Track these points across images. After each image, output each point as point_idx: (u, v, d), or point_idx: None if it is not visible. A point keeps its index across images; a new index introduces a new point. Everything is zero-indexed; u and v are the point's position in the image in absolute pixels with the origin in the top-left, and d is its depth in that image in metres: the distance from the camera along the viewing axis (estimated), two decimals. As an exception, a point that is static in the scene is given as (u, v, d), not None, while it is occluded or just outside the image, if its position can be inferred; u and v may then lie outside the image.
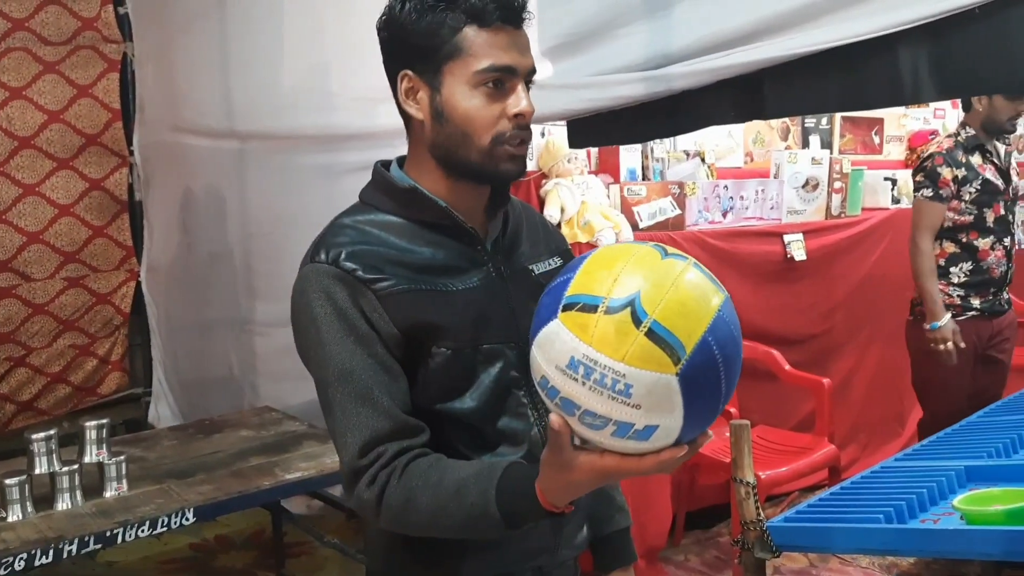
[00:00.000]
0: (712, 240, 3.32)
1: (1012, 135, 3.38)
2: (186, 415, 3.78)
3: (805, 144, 4.23)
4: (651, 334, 0.87)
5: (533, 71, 1.18)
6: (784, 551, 1.91)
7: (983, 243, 3.14)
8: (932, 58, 1.42)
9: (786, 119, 4.13)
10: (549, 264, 1.32)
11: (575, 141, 2.07)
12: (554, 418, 0.94)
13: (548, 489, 1.01)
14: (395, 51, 1.18)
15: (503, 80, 1.14)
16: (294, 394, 3.07)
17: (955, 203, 3.12)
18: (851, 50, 1.48)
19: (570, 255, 1.39)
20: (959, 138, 3.16)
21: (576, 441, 0.95)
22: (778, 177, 3.71)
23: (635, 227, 3.09)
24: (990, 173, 3.13)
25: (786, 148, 4.12)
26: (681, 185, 3.31)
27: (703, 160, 3.66)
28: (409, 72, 1.17)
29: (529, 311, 1.24)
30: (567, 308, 0.91)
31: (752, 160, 4.08)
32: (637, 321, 0.87)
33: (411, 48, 1.16)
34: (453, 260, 1.20)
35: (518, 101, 1.14)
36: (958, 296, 3.16)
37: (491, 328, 1.20)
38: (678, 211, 3.26)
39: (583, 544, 1.35)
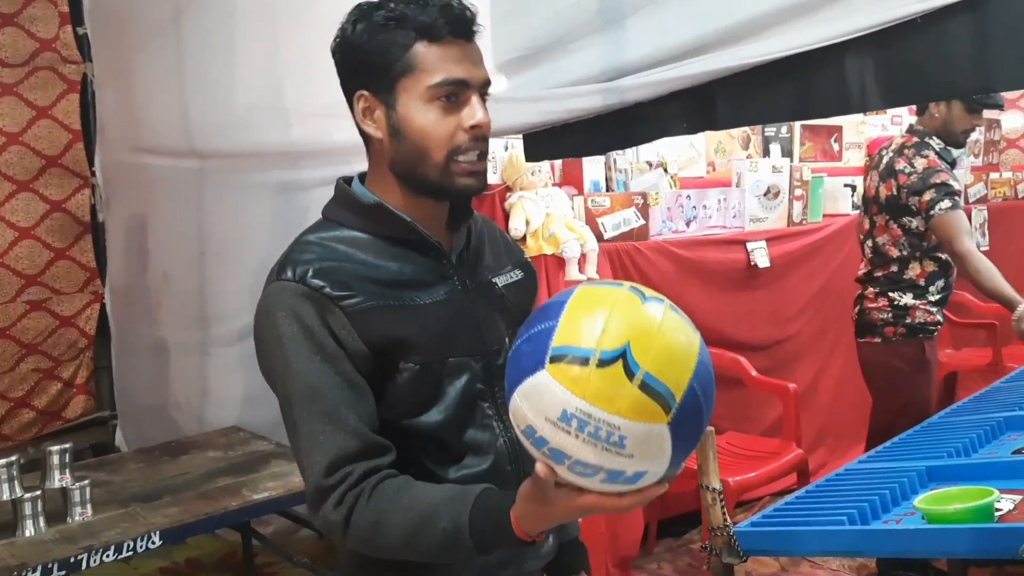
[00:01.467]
0: (676, 249, 3.35)
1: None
2: (149, 439, 3.74)
3: (766, 153, 4.29)
4: (644, 386, 0.88)
5: (488, 83, 1.19)
6: (751, 555, 1.93)
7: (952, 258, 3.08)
8: (878, 67, 1.45)
9: (746, 128, 4.19)
10: (511, 276, 1.33)
11: (531, 154, 2.08)
12: (540, 467, 0.94)
13: (523, 518, 1.02)
14: (350, 72, 1.19)
15: (456, 93, 1.14)
16: (256, 412, 3.05)
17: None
18: (799, 60, 1.51)
19: (530, 267, 1.40)
20: (936, 149, 3.08)
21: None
22: (740, 186, 3.75)
23: (600, 238, 3.11)
24: (957, 185, 3.10)
25: (747, 157, 4.17)
26: (644, 196, 3.34)
27: (666, 170, 3.69)
28: (365, 92, 1.17)
29: (494, 323, 1.26)
30: (555, 360, 0.90)
31: (714, 169, 4.13)
32: (630, 374, 0.88)
33: (365, 68, 1.16)
34: (419, 274, 1.20)
35: (473, 113, 1.15)
36: (936, 313, 3.11)
37: (458, 341, 1.21)
38: (642, 221, 3.29)
39: (549, 554, 1.35)
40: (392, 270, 1.18)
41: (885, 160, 3.15)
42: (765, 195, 3.76)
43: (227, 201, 3.06)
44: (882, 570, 2.95)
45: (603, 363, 0.88)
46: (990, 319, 4.34)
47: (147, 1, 3.08)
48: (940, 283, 3.11)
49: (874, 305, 3.15)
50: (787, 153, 4.35)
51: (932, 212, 2.97)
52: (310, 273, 1.13)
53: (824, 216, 4.06)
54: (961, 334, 4.54)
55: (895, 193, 3.06)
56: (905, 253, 3.08)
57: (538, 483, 0.97)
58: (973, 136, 5.29)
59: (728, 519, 1.92)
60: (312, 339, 1.11)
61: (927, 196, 2.98)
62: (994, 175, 5.07)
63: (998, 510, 1.67)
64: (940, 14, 1.37)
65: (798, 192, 3.86)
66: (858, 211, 4.19)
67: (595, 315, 0.91)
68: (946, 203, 2.96)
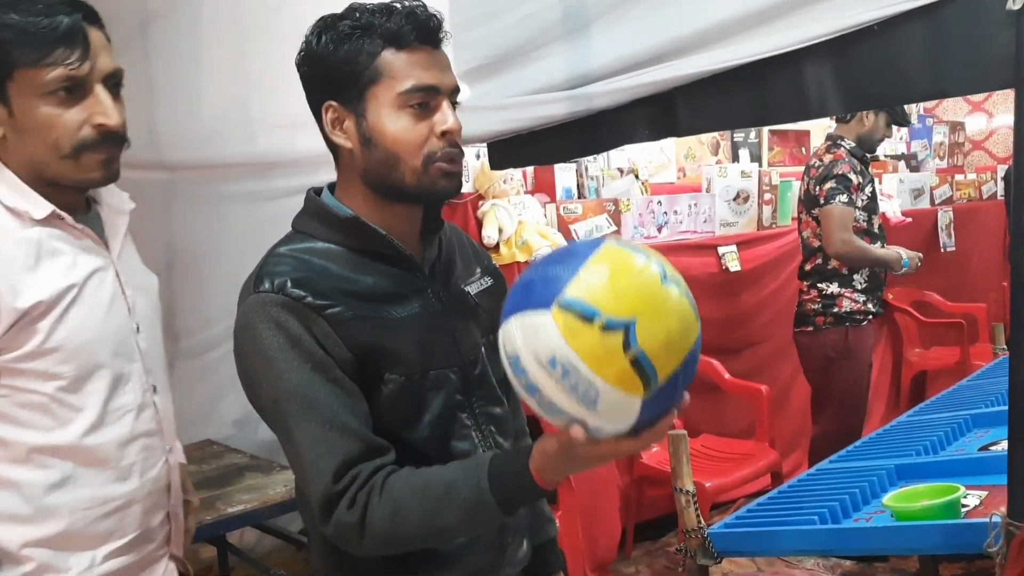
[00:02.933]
0: (648, 255, 3.37)
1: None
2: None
3: (735, 158, 4.33)
4: (635, 362, 0.91)
5: (457, 89, 1.20)
6: (726, 556, 1.95)
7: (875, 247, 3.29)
8: (835, 73, 1.47)
9: (716, 134, 4.23)
10: (482, 283, 1.34)
11: (495, 162, 2.09)
12: (575, 430, 0.96)
13: (545, 470, 1.05)
14: (316, 83, 1.19)
15: (427, 100, 1.15)
16: (228, 426, 3.03)
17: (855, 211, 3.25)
18: (758, 67, 1.53)
19: (498, 272, 1.41)
20: (846, 147, 3.30)
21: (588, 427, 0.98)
22: (710, 191, 3.79)
23: (572, 245, 3.13)
24: (873, 183, 3.33)
25: (717, 162, 4.22)
26: (616, 202, 3.36)
27: (637, 177, 3.72)
28: (333, 103, 1.17)
29: (469, 333, 1.27)
30: (564, 307, 0.92)
31: (684, 175, 4.17)
32: (627, 346, 0.91)
33: (332, 79, 1.16)
34: (394, 288, 1.20)
35: (445, 118, 1.16)
36: (862, 302, 3.29)
37: (436, 354, 1.21)
38: (614, 227, 3.31)
39: (524, 560, 1.36)
40: (368, 284, 1.18)
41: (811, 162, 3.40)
42: (735, 200, 3.80)
43: (196, 213, 3.04)
44: None
45: (606, 328, 0.91)
46: (958, 319, 4.41)
47: (113, 14, 3.04)
48: (864, 272, 3.29)
49: (807, 296, 3.35)
50: (756, 158, 4.40)
51: (831, 201, 3.17)
52: (289, 284, 1.12)
53: (793, 219, 4.11)
54: (929, 334, 4.61)
55: (808, 188, 3.30)
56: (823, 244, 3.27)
57: (566, 442, 0.99)
58: (938, 138, 5.41)
59: (702, 521, 1.94)
60: (300, 348, 1.11)
61: (827, 185, 3.20)
62: (959, 177, 5.15)
63: (964, 506, 1.71)
64: (895, 21, 1.40)
65: (767, 196, 3.91)
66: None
67: (615, 280, 0.93)
68: (843, 197, 3.17)
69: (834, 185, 3.19)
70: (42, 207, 1.29)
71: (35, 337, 1.26)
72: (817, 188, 3.23)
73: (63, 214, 1.31)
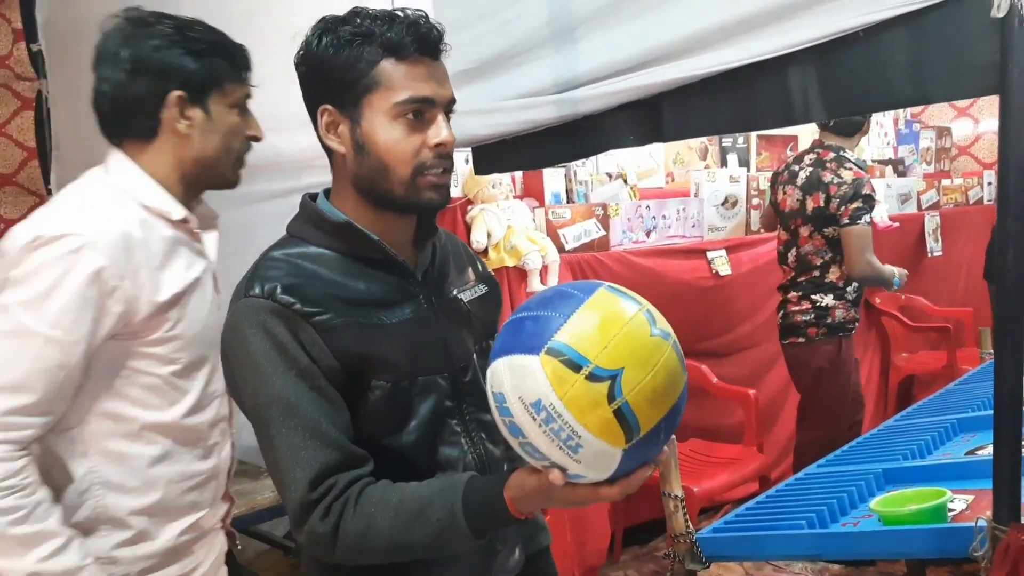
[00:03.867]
0: (637, 259, 3.38)
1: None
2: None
3: (723, 163, 4.34)
4: (619, 413, 0.92)
5: (453, 101, 1.20)
6: (714, 561, 1.95)
7: None
8: (820, 79, 1.48)
9: (704, 139, 4.24)
10: (476, 291, 1.35)
11: (481, 167, 2.09)
12: (554, 475, 0.98)
13: (520, 501, 1.05)
14: (313, 86, 1.19)
15: (422, 111, 1.15)
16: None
17: None
18: (743, 73, 1.54)
19: (493, 280, 1.41)
20: (854, 161, 3.27)
21: (569, 474, 0.99)
22: (698, 196, 3.80)
23: (561, 249, 3.13)
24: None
25: (705, 167, 4.23)
26: (605, 207, 3.37)
27: (625, 181, 3.73)
28: (328, 107, 1.18)
29: (460, 340, 1.27)
30: (552, 353, 0.93)
31: (673, 180, 4.17)
32: (612, 398, 0.92)
33: (329, 83, 1.16)
34: (386, 293, 1.20)
35: (439, 131, 1.16)
36: (854, 312, 3.31)
37: (426, 360, 1.21)
38: (603, 232, 3.31)
39: (517, 567, 1.36)
40: (359, 289, 1.18)
41: (805, 174, 3.30)
42: (723, 204, 3.81)
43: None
44: None
45: (593, 378, 0.92)
46: (945, 323, 4.43)
47: (100, 17, 3.05)
48: (855, 283, 3.30)
49: (797, 308, 3.32)
50: (744, 163, 4.41)
51: (856, 221, 3.14)
52: (279, 290, 1.13)
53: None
54: (917, 338, 4.63)
55: (822, 205, 3.22)
56: (827, 259, 3.26)
57: (545, 484, 1.00)
58: (925, 143, 5.44)
59: (691, 525, 1.94)
60: (285, 354, 1.12)
61: (854, 205, 3.14)
62: (946, 182, 5.17)
63: (951, 510, 1.71)
64: (880, 28, 1.40)
65: (755, 201, 3.92)
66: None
67: (605, 329, 0.94)
68: (867, 217, 3.16)
69: (861, 205, 3.13)
70: (179, 210, 1.47)
71: (165, 325, 1.42)
72: (842, 208, 3.14)
73: (191, 217, 1.50)
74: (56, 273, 1.31)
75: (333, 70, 1.15)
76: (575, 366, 0.92)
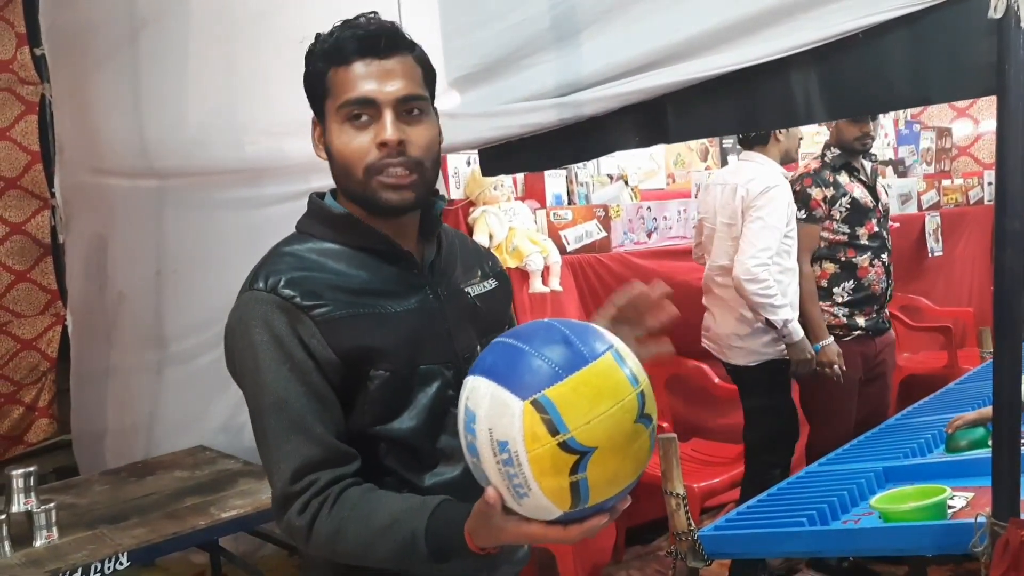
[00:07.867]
0: (638, 260, 3.39)
1: (875, 155, 3.44)
2: (101, 463, 3.66)
3: (724, 164, 4.35)
4: (574, 485, 0.93)
5: (412, 97, 1.19)
6: (716, 559, 1.97)
7: (861, 260, 3.16)
8: (822, 81, 1.50)
9: (705, 141, 4.25)
10: (484, 286, 1.36)
11: (487, 169, 2.11)
12: (489, 492, 0.98)
13: (475, 533, 1.05)
14: (309, 101, 1.26)
15: (362, 112, 1.17)
16: (216, 432, 3.04)
17: (828, 223, 3.15)
18: (747, 74, 1.55)
19: (504, 276, 1.42)
20: (826, 158, 3.21)
21: (506, 504, 0.99)
22: (699, 197, 3.80)
23: (563, 251, 3.15)
24: (858, 191, 3.17)
25: (706, 169, 4.24)
26: (606, 208, 3.38)
27: (626, 183, 3.74)
28: (315, 119, 1.25)
29: (465, 331, 1.28)
30: (536, 407, 0.93)
31: (674, 181, 4.19)
32: (575, 470, 0.92)
33: (309, 98, 1.24)
34: (390, 283, 1.22)
35: (381, 130, 1.17)
36: (843, 316, 3.17)
37: (428, 349, 1.23)
38: (604, 233, 3.33)
39: (524, 559, 1.37)
40: (362, 279, 1.20)
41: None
42: (724, 205, 3.81)
43: (186, 220, 3.05)
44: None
45: (565, 447, 0.92)
46: (945, 323, 4.44)
47: (103, 21, 3.07)
48: (848, 284, 3.17)
49: None
50: (745, 164, 4.41)
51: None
52: (281, 283, 1.16)
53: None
54: (918, 338, 4.63)
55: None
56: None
57: (485, 506, 0.99)
58: (925, 144, 5.42)
59: (693, 524, 1.96)
60: (282, 348, 1.14)
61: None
62: (946, 182, 5.18)
63: (951, 507, 1.73)
64: (880, 30, 1.42)
65: (756, 202, 3.92)
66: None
67: (594, 403, 0.93)
68: (801, 213, 3.11)
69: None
70: None
71: None
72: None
73: None
74: None
75: (308, 87, 1.23)
76: (553, 429, 0.92)
